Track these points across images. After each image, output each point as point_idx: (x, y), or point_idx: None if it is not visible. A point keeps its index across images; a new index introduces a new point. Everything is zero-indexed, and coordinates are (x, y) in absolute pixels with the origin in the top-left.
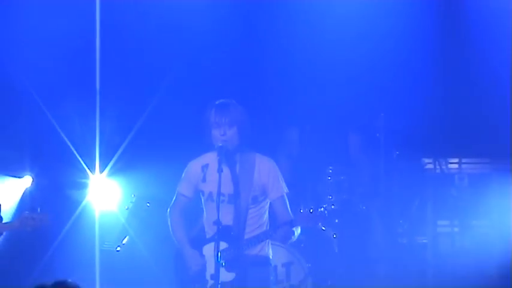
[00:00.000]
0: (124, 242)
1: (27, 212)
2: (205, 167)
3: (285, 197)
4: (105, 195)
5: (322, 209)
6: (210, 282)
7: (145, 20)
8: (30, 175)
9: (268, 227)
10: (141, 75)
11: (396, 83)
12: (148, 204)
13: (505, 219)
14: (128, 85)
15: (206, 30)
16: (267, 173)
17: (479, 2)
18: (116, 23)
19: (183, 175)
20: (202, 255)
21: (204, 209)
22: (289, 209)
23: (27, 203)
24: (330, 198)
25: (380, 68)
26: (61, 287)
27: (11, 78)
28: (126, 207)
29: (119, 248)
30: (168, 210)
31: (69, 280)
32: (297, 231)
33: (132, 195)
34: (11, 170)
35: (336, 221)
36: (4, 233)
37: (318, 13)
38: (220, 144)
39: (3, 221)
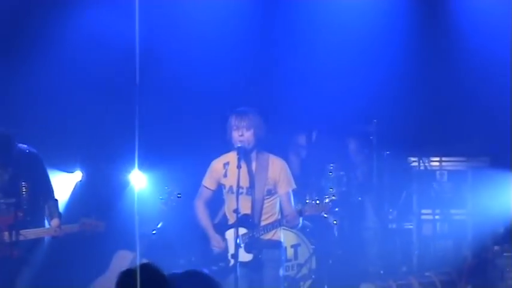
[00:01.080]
0: (158, 226)
1: (85, 219)
2: (226, 164)
3: (291, 193)
4: (143, 188)
5: (327, 200)
6: (231, 261)
7: (176, 29)
8: (81, 170)
9: (280, 216)
10: (174, 86)
11: (386, 93)
12: (179, 195)
13: (478, 209)
14: (162, 96)
15: (228, 44)
16: (278, 171)
17: (464, 5)
18: (153, 32)
19: (207, 171)
20: (224, 239)
21: (225, 200)
22: (292, 202)
23: (78, 198)
24: (331, 191)
25: (372, 80)
26: (194, 276)
27: (65, 83)
28: (161, 198)
29: (154, 232)
30: (195, 200)
31: (202, 271)
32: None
33: (166, 188)
34: (64, 166)
35: (336, 209)
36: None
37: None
38: (239, 145)
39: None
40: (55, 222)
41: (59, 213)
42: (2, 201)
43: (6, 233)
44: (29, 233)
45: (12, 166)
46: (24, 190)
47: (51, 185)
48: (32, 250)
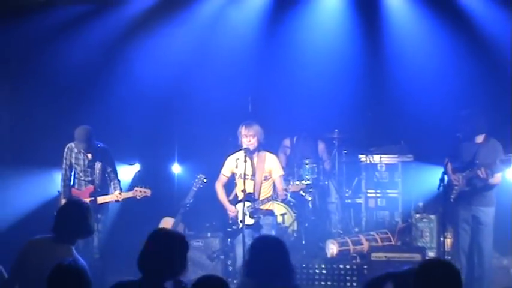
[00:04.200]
0: (191, 201)
1: (137, 187)
2: (237, 159)
3: (281, 177)
4: (181, 174)
5: (304, 182)
6: (240, 224)
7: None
8: (139, 163)
9: (273, 193)
10: (202, 106)
11: (344, 109)
12: (205, 180)
13: (405, 189)
14: (194, 113)
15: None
16: (272, 163)
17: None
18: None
19: (224, 164)
20: (236, 209)
21: (237, 183)
22: (283, 183)
23: (136, 181)
24: (307, 177)
25: (334, 99)
26: (207, 281)
27: (130, 101)
28: (193, 182)
29: (188, 205)
30: (216, 183)
31: (216, 276)
32: (288, 195)
33: (196, 175)
34: (128, 160)
35: (310, 190)
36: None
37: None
38: (246, 147)
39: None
40: (117, 192)
41: (120, 188)
42: (82, 179)
43: (85, 200)
44: (100, 199)
45: (91, 153)
46: (98, 172)
47: (116, 169)
48: (103, 212)
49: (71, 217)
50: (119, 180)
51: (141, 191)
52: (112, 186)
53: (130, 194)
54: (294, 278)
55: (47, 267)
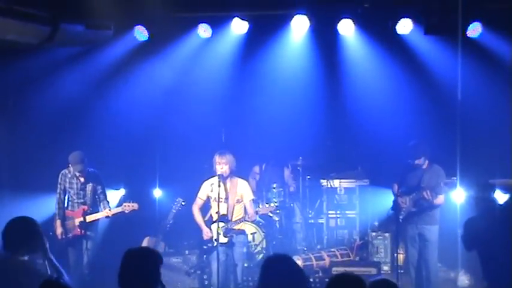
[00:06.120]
0: (171, 222)
1: (125, 203)
2: (212, 184)
3: (251, 201)
4: (161, 198)
5: (272, 205)
6: (215, 243)
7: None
8: (124, 188)
9: (244, 214)
10: (179, 137)
11: (306, 140)
12: (183, 203)
13: (362, 210)
14: (173, 143)
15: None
16: (243, 188)
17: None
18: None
19: (200, 188)
20: (211, 230)
21: (211, 206)
22: (253, 206)
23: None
24: (274, 200)
25: (298, 131)
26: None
27: (112, 133)
28: (172, 205)
29: (168, 225)
30: (192, 206)
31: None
32: (257, 216)
33: (176, 199)
34: (113, 185)
35: (278, 211)
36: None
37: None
38: (220, 173)
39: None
40: (107, 209)
41: (110, 207)
42: (76, 201)
43: (78, 220)
44: (91, 216)
45: (84, 177)
46: (89, 193)
47: (105, 191)
48: (93, 230)
49: (17, 231)
50: (108, 201)
51: (129, 206)
52: (102, 206)
53: (119, 209)
54: None
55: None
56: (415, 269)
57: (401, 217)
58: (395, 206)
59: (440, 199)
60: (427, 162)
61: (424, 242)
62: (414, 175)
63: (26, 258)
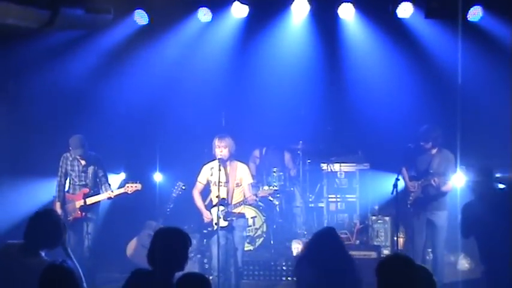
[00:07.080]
0: (171, 206)
1: (128, 183)
2: (212, 168)
3: (250, 184)
4: (162, 182)
5: (272, 188)
6: (215, 226)
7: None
8: (124, 172)
9: (243, 198)
10: (181, 121)
11: (307, 123)
12: (183, 187)
13: (362, 194)
14: (174, 127)
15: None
16: (243, 172)
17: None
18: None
19: (200, 172)
20: (211, 213)
21: (211, 190)
22: (251, 190)
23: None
24: (274, 183)
25: (299, 114)
26: (189, 278)
27: (117, 118)
28: (172, 189)
29: (168, 209)
30: (193, 190)
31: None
32: (258, 199)
33: (176, 183)
34: (114, 170)
35: (278, 195)
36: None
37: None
38: (220, 157)
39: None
40: (109, 191)
41: (111, 190)
42: (77, 183)
43: (78, 202)
44: (93, 198)
45: (85, 160)
46: (90, 176)
47: (106, 174)
48: (94, 212)
49: (41, 226)
50: (109, 184)
51: (132, 186)
52: (103, 189)
53: (122, 190)
54: (356, 270)
55: (16, 273)
56: (421, 253)
57: (409, 202)
58: (403, 191)
59: (448, 186)
60: (436, 148)
61: (432, 228)
62: (423, 159)
63: (43, 254)
